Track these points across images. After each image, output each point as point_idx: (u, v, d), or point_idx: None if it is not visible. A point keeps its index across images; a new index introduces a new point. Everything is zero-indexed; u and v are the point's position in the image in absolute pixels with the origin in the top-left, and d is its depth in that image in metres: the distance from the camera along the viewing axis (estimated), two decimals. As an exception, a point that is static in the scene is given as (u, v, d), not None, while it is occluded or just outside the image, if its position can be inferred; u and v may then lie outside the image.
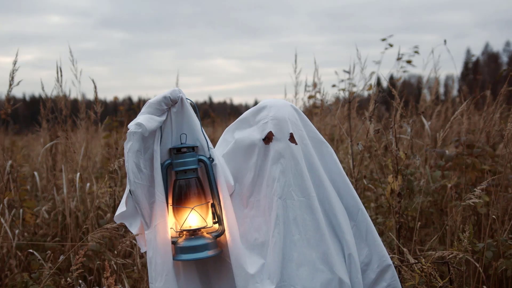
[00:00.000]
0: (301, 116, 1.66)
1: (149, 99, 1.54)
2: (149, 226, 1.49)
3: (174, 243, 1.52)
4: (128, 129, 1.43)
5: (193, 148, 1.52)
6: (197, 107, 1.56)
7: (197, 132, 1.54)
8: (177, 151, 1.50)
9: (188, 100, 1.54)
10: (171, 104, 1.50)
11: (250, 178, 1.60)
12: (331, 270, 1.51)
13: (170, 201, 1.54)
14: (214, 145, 1.62)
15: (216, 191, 1.53)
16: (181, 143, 1.52)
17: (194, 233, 1.53)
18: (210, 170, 1.53)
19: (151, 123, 1.44)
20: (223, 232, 1.53)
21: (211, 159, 1.53)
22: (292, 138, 1.59)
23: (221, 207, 1.53)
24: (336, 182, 1.65)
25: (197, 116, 1.56)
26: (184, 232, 1.53)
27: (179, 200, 1.51)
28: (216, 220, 1.54)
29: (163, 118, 1.50)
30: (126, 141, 1.43)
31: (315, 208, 1.56)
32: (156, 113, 1.49)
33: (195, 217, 1.52)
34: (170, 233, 1.51)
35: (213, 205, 1.54)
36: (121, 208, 1.52)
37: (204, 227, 1.54)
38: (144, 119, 1.44)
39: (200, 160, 1.53)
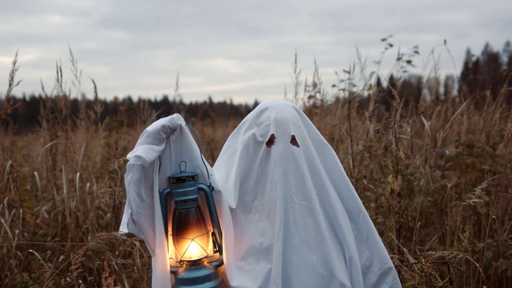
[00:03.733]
0: (302, 117, 1.65)
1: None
2: (155, 253, 1.47)
3: (174, 273, 1.49)
4: (127, 160, 1.42)
5: (192, 177, 1.48)
6: (196, 133, 1.53)
7: (196, 159, 1.51)
8: (176, 180, 1.47)
9: (187, 126, 1.51)
10: (169, 132, 1.47)
11: (253, 182, 1.59)
12: (331, 274, 1.50)
13: (170, 230, 1.50)
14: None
15: (217, 219, 1.50)
16: (181, 171, 1.49)
17: (194, 263, 1.50)
18: (211, 199, 1.50)
19: (150, 154, 1.42)
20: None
21: (211, 187, 1.50)
22: (293, 140, 1.58)
23: (222, 236, 1.50)
24: (338, 184, 1.65)
25: (196, 141, 1.53)
26: (185, 262, 1.50)
27: (178, 230, 1.48)
28: (217, 249, 1.51)
29: (162, 147, 1.47)
30: (126, 173, 1.42)
31: (316, 211, 1.55)
32: (155, 142, 1.45)
33: (195, 247, 1.49)
34: (171, 262, 1.49)
35: (213, 234, 1.51)
36: (123, 228, 1.52)
37: (205, 257, 1.51)
38: (143, 150, 1.41)
39: (200, 189, 1.49)
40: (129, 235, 1.46)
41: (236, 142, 1.65)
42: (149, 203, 1.46)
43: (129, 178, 1.41)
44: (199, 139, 6.35)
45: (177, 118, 1.48)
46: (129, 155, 1.41)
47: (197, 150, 1.52)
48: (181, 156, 1.51)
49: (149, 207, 1.46)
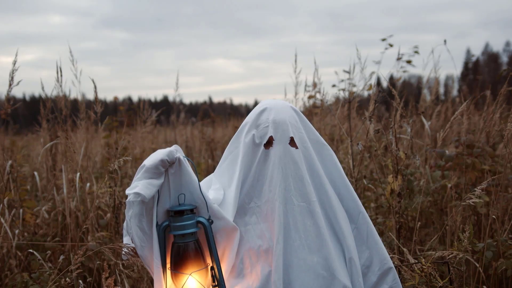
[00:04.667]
0: (301, 118, 1.65)
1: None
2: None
3: None
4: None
5: (191, 210, 1.46)
6: (195, 165, 1.50)
7: (196, 191, 1.48)
8: (174, 213, 1.44)
9: (186, 158, 1.48)
10: (168, 165, 1.44)
11: (250, 184, 1.59)
12: (332, 275, 1.50)
13: (168, 263, 1.48)
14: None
15: (216, 253, 1.48)
16: (179, 204, 1.46)
17: None
18: (210, 233, 1.47)
19: (150, 190, 1.39)
20: None
21: (210, 220, 1.47)
22: (292, 142, 1.58)
23: (221, 270, 1.48)
24: (337, 185, 1.65)
25: (195, 173, 1.49)
26: None
27: (176, 264, 1.45)
28: (216, 284, 1.49)
29: (162, 180, 1.43)
30: (127, 208, 1.41)
31: (316, 213, 1.55)
32: (153, 177, 1.42)
33: (193, 282, 1.45)
34: None
35: (212, 269, 1.48)
36: (127, 240, 1.51)
37: None
38: (142, 186, 1.39)
39: (199, 222, 1.46)
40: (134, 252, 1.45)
41: (238, 146, 1.63)
42: (151, 236, 1.44)
43: (130, 213, 1.40)
44: (199, 139, 6.30)
45: (175, 151, 1.44)
46: (128, 191, 1.39)
47: (196, 182, 1.48)
48: (179, 188, 1.47)
49: (152, 240, 1.45)
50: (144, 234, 1.43)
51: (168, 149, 1.44)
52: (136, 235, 1.42)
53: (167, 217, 1.47)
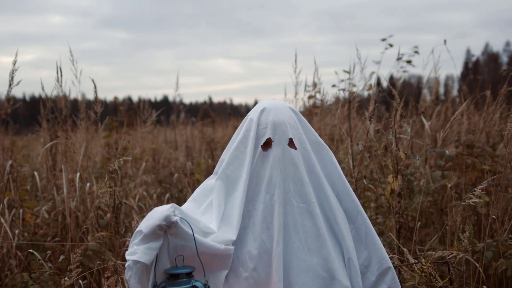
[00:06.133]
0: (299, 118, 1.64)
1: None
2: None
3: None
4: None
5: (187, 274, 1.42)
6: (192, 227, 1.43)
7: (193, 253, 1.43)
8: (171, 276, 1.41)
9: (183, 220, 1.43)
10: (166, 228, 1.39)
11: (245, 185, 1.55)
12: (332, 276, 1.51)
13: None
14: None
15: None
16: (176, 266, 1.43)
17: None
18: None
19: (149, 255, 1.37)
20: None
21: (207, 286, 1.45)
22: (291, 143, 1.57)
23: None
24: (336, 185, 1.64)
25: (193, 236, 1.44)
26: None
27: None
28: None
29: (161, 241, 1.40)
30: (126, 271, 1.39)
31: (315, 214, 1.55)
32: (152, 241, 1.39)
33: None
34: None
35: None
36: (130, 256, 1.48)
37: None
38: (142, 253, 1.36)
39: (194, 287, 1.42)
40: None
41: (244, 151, 1.59)
42: None
43: (129, 275, 1.38)
44: (199, 139, 6.29)
45: (172, 215, 1.39)
46: (128, 257, 1.37)
47: (193, 244, 1.43)
48: (177, 249, 1.44)
49: None
50: None
51: (165, 212, 1.38)
52: None
53: (165, 278, 1.44)
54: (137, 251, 1.37)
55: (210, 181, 1.66)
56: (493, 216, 2.37)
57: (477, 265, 2.21)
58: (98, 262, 2.71)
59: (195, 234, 1.42)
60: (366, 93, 4.54)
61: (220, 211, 1.54)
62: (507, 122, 2.30)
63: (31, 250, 2.68)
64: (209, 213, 1.57)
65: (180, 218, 1.41)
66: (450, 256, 1.94)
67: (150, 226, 1.37)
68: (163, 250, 1.43)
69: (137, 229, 1.41)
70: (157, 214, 1.39)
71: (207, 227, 1.49)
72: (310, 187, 1.57)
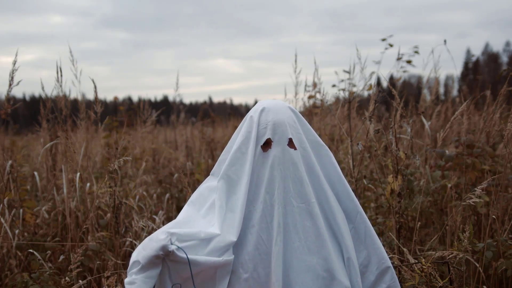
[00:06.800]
0: (299, 118, 1.64)
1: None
2: None
3: None
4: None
5: None
6: (188, 257, 1.42)
7: (196, 271, 1.44)
8: None
9: (180, 249, 1.42)
10: (163, 256, 1.41)
11: (246, 186, 1.55)
12: (332, 276, 1.51)
13: None
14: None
15: None
16: None
17: None
18: None
19: (148, 284, 1.39)
20: None
21: None
22: (291, 143, 1.58)
23: None
24: (335, 185, 1.64)
25: (189, 267, 1.44)
26: None
27: None
28: None
29: (160, 268, 1.42)
30: None
31: (315, 214, 1.55)
32: (150, 269, 1.40)
33: None
34: None
35: None
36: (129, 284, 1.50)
37: None
38: (140, 282, 1.38)
39: None
40: None
41: (246, 152, 1.58)
42: None
43: None
44: (199, 139, 6.29)
45: (169, 244, 1.39)
46: (127, 286, 1.38)
47: (190, 277, 1.43)
48: (178, 270, 1.44)
49: None
50: None
51: (161, 242, 1.38)
52: None
53: None
54: (135, 281, 1.38)
55: (209, 183, 1.66)
56: (493, 216, 2.37)
57: (477, 265, 2.21)
58: (98, 262, 2.71)
59: (194, 257, 1.42)
60: (366, 93, 4.54)
61: (222, 213, 1.54)
62: (507, 122, 2.30)
63: (31, 250, 2.68)
64: (210, 215, 1.57)
65: (177, 247, 1.40)
66: (450, 256, 1.94)
67: (147, 257, 1.39)
68: (164, 273, 1.44)
69: (134, 258, 1.42)
70: (154, 244, 1.39)
71: (209, 233, 1.49)
72: (310, 187, 1.57)
